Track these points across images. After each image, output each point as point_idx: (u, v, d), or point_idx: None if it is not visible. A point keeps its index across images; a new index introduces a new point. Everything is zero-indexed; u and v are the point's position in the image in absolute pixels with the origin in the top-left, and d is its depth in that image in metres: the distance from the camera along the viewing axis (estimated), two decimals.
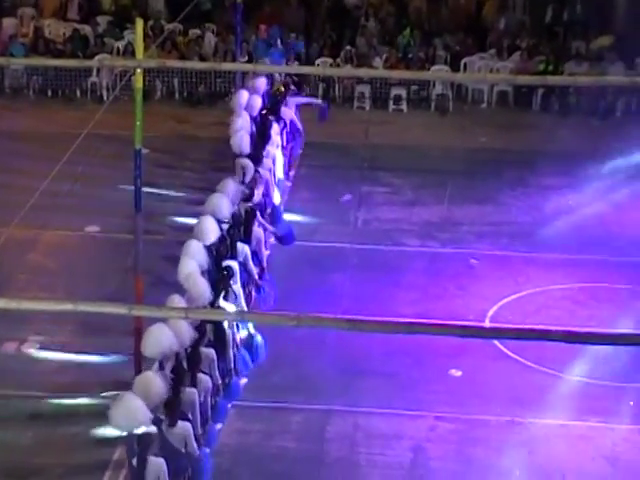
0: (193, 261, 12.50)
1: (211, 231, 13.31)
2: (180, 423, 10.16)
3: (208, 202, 14.06)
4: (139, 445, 9.70)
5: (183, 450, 10.16)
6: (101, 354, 13.23)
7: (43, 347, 13.49)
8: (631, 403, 12.67)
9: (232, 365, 12.05)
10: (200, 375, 10.93)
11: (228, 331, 11.88)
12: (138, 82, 12.39)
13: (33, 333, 13.64)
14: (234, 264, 13.03)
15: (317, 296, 14.63)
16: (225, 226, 13.73)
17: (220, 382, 11.54)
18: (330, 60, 22.90)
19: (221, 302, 12.20)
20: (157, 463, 9.68)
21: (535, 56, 23.04)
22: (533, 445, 11.92)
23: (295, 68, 19.39)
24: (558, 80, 17.99)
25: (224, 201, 14.04)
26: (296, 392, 12.66)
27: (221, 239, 13.40)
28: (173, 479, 9.96)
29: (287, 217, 17.14)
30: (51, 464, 11.37)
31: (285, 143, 17.59)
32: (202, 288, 11.96)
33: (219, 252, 13.17)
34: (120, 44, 23.42)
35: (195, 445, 10.29)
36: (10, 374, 12.86)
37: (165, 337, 10.80)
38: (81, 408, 12.31)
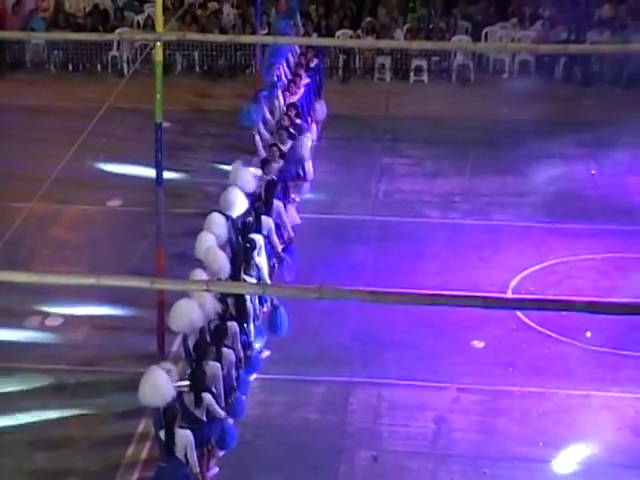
0: (211, 234, 12.48)
1: (238, 203, 13.27)
2: (203, 395, 10.23)
3: (233, 174, 13.96)
4: (165, 418, 9.77)
5: (205, 420, 10.25)
6: (124, 327, 13.29)
7: (66, 321, 13.56)
8: None
9: (253, 338, 12.07)
10: (224, 349, 10.96)
11: (249, 304, 11.90)
12: (158, 55, 12.39)
13: (56, 307, 13.72)
14: (258, 237, 13.02)
15: (339, 268, 14.63)
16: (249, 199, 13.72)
17: (242, 355, 11.57)
18: (350, 32, 22.79)
19: (242, 275, 12.21)
20: (184, 435, 9.76)
21: (557, 25, 22.86)
22: (557, 416, 11.92)
23: (315, 40, 19.30)
24: (580, 49, 17.79)
25: (249, 173, 14.01)
26: (319, 364, 12.68)
27: (247, 212, 13.38)
28: (198, 449, 10.05)
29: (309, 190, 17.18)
30: (75, 436, 11.46)
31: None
32: (221, 261, 11.96)
33: (245, 225, 13.15)
34: (140, 17, 23.39)
35: (220, 414, 10.36)
36: (34, 348, 12.95)
37: (192, 311, 10.84)
38: (104, 381, 12.38)
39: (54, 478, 10.93)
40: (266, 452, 11.23)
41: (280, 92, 17.23)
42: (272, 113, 16.89)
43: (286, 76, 17.82)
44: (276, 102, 17.08)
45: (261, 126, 16.08)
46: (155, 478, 10.08)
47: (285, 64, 18.13)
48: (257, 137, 15.50)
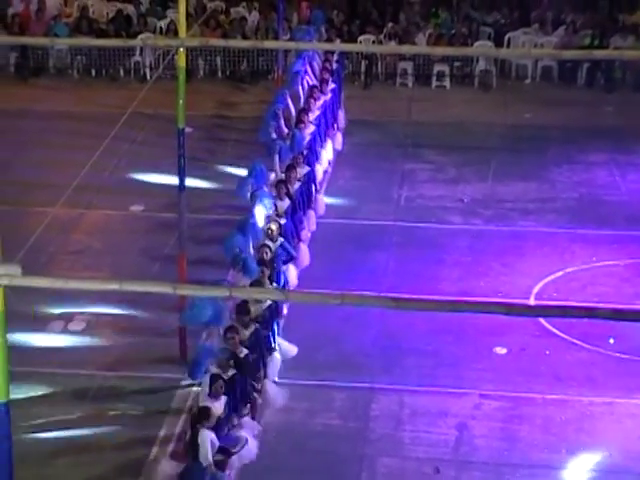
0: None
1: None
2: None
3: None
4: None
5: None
6: (146, 332, 13.32)
7: (89, 325, 13.60)
8: None
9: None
10: None
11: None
12: (181, 61, 12.43)
13: (79, 311, 13.76)
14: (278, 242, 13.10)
15: (360, 274, 14.62)
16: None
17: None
18: (372, 37, 22.80)
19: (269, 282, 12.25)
20: (206, 436, 9.89)
21: (580, 30, 22.79)
22: (579, 423, 11.85)
23: (338, 45, 19.28)
24: (604, 54, 17.74)
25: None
26: (340, 370, 12.66)
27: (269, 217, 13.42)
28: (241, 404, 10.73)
29: (331, 195, 17.18)
30: (98, 441, 11.48)
31: None
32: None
33: (268, 230, 13.16)
34: (163, 23, 23.48)
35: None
36: (57, 352, 12.99)
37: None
38: (127, 385, 12.41)
39: None
40: (287, 458, 11.22)
41: (290, 101, 16.95)
42: (288, 122, 16.64)
43: (308, 83, 17.80)
44: (291, 110, 16.88)
45: (279, 143, 15.57)
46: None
47: (310, 70, 18.11)
48: (276, 156, 15.23)
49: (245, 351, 11.11)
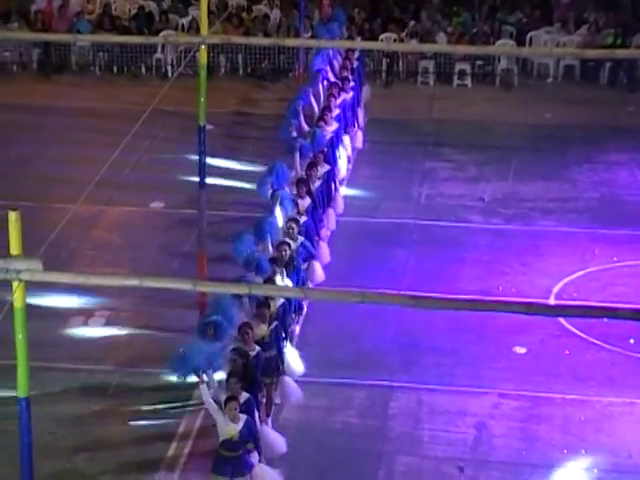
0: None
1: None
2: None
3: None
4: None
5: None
6: (166, 328, 13.35)
7: (109, 321, 13.65)
8: None
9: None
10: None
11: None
12: (202, 58, 12.46)
13: (99, 308, 13.81)
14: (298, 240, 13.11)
15: (380, 272, 14.61)
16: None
17: None
18: (394, 35, 22.77)
19: (281, 279, 12.20)
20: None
21: (602, 29, 22.69)
22: (599, 423, 11.81)
23: (359, 44, 19.28)
24: (626, 53, 17.67)
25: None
26: (359, 368, 12.66)
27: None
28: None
29: (351, 193, 17.17)
30: (117, 436, 11.53)
31: None
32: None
33: (289, 229, 13.15)
34: (185, 20, 23.52)
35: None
36: (77, 348, 13.04)
37: None
38: (146, 381, 12.44)
39: (95, 478, 10.99)
40: (306, 456, 11.23)
41: (313, 99, 16.93)
42: (309, 120, 16.59)
43: (329, 81, 17.75)
44: (313, 108, 16.86)
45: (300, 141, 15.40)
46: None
47: (330, 68, 18.09)
48: (297, 154, 15.21)
49: (257, 349, 11.01)
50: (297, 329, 12.99)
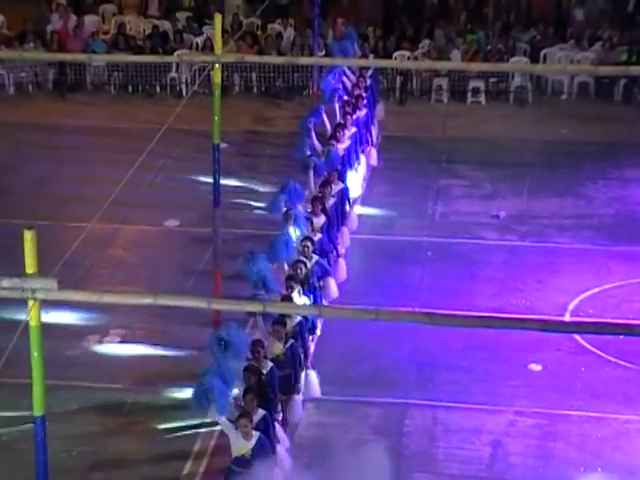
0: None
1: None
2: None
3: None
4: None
5: None
6: (181, 346, 13.36)
7: (124, 340, 13.67)
8: None
9: None
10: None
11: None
12: (217, 77, 12.52)
13: (114, 326, 13.84)
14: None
15: (395, 289, 14.60)
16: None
17: None
18: (408, 53, 22.81)
19: (298, 296, 12.22)
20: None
21: (617, 46, 22.69)
22: (615, 441, 11.76)
23: (373, 62, 19.34)
24: None
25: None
26: (374, 385, 12.64)
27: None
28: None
29: (365, 211, 17.17)
30: (132, 455, 11.53)
31: None
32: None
33: (304, 248, 13.16)
34: (199, 39, 23.62)
35: None
36: (92, 366, 13.06)
37: None
38: (161, 400, 12.45)
39: None
40: (321, 473, 11.19)
41: (325, 116, 16.98)
42: (322, 138, 16.59)
43: (342, 99, 17.79)
44: (326, 126, 16.92)
45: (315, 160, 15.43)
46: None
47: (342, 86, 18.14)
48: (311, 172, 15.20)
49: (270, 365, 11.01)
50: (312, 347, 12.98)
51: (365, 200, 17.57)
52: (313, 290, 12.82)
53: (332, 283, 13.86)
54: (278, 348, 11.39)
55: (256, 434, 10.02)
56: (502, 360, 13.17)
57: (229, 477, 10.11)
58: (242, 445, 9.99)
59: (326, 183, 14.88)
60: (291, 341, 11.54)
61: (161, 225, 16.89)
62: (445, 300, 14.16)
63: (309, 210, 14.14)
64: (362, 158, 17.57)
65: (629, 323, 6.39)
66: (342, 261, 14.75)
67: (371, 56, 21.80)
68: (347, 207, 15.73)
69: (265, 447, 10.10)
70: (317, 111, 16.75)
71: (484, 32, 23.48)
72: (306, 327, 12.17)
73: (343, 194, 15.40)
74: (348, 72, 18.55)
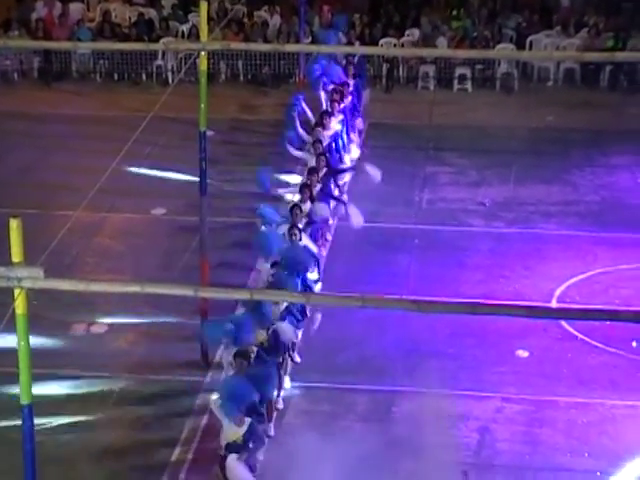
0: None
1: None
2: None
3: None
4: None
5: None
6: (168, 335, 13.35)
7: (111, 328, 13.65)
8: None
9: None
10: None
11: None
12: (202, 65, 12.46)
13: (101, 315, 13.82)
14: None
15: (382, 277, 14.61)
16: None
17: None
18: (394, 40, 22.78)
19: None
20: None
21: (603, 33, 22.70)
22: (602, 426, 11.81)
23: (358, 49, 19.31)
24: (625, 56, 17.66)
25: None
26: (361, 373, 12.66)
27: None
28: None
29: (352, 198, 17.16)
30: (120, 443, 11.53)
31: None
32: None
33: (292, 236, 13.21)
34: (185, 27, 23.55)
35: None
36: (79, 355, 13.04)
37: None
38: (149, 388, 12.45)
39: None
40: (308, 461, 11.21)
41: (305, 105, 16.97)
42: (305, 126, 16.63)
43: (327, 86, 17.77)
44: (307, 114, 16.96)
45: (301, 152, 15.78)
46: None
47: (328, 74, 18.09)
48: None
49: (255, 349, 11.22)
50: (299, 334, 12.99)
51: (352, 188, 17.55)
52: (303, 277, 12.74)
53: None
54: (262, 335, 11.42)
55: (247, 420, 10.08)
56: (489, 347, 13.20)
57: (224, 464, 10.15)
58: (234, 431, 10.05)
59: (313, 170, 14.89)
60: (273, 326, 11.56)
61: (147, 213, 16.85)
62: (432, 287, 14.19)
63: (299, 198, 14.18)
64: (352, 145, 17.55)
65: (615, 309, 6.42)
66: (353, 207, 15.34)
67: (357, 43, 21.78)
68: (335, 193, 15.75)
69: (256, 433, 10.16)
70: (297, 100, 16.75)
71: (470, 19, 23.45)
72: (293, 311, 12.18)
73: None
74: (334, 61, 18.50)
